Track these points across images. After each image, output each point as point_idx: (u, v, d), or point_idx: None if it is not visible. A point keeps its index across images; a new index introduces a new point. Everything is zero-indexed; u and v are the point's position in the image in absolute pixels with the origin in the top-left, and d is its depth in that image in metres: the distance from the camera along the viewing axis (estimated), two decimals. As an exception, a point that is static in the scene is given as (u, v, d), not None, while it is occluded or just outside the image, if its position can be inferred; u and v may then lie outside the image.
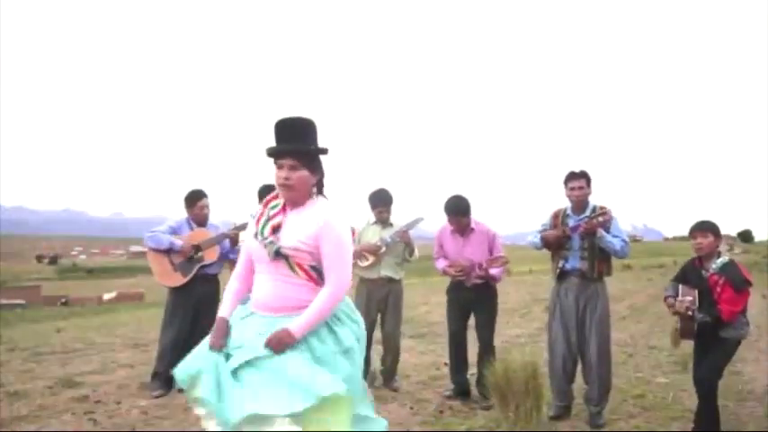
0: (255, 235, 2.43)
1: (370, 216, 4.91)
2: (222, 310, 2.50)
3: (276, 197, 2.50)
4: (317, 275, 2.38)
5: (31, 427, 4.12)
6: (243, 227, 4.59)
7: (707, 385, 3.57)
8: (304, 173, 2.36)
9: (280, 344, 2.25)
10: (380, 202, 4.83)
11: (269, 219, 2.42)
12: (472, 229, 4.61)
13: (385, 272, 4.83)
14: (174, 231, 4.68)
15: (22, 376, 5.79)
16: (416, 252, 4.91)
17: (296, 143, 2.35)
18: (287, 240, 2.35)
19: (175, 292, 4.66)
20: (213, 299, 4.65)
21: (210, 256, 4.65)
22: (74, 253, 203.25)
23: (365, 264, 4.79)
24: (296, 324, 2.28)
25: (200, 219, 4.76)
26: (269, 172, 2.44)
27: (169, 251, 4.59)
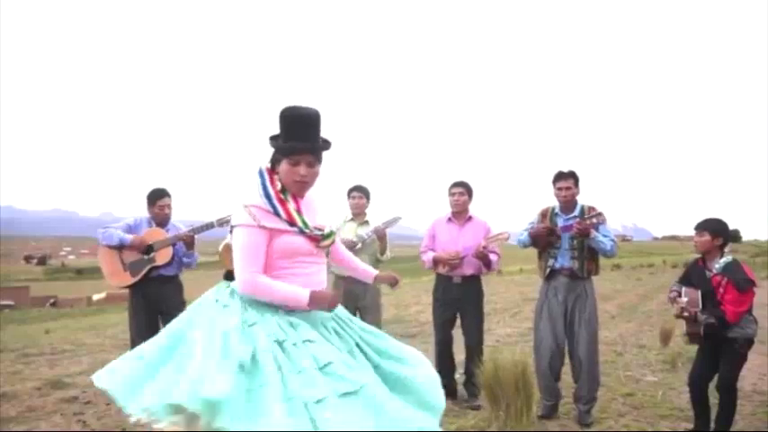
0: (298, 229, 2.28)
1: (347, 213, 4.87)
2: (302, 291, 2.22)
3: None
4: None
5: (20, 429, 4.10)
6: (200, 229, 4.40)
7: (725, 392, 3.51)
8: (318, 169, 2.32)
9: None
10: (356, 188, 4.85)
11: (298, 211, 2.31)
12: (470, 217, 4.62)
13: None
14: (131, 230, 4.47)
15: (10, 378, 5.75)
16: (389, 253, 4.83)
17: (314, 139, 2.27)
18: (328, 228, 2.41)
19: (133, 292, 4.48)
20: (174, 299, 4.47)
21: (163, 257, 4.42)
22: (63, 253, 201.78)
23: None
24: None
25: (160, 218, 4.54)
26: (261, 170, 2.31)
27: (121, 250, 4.38)
